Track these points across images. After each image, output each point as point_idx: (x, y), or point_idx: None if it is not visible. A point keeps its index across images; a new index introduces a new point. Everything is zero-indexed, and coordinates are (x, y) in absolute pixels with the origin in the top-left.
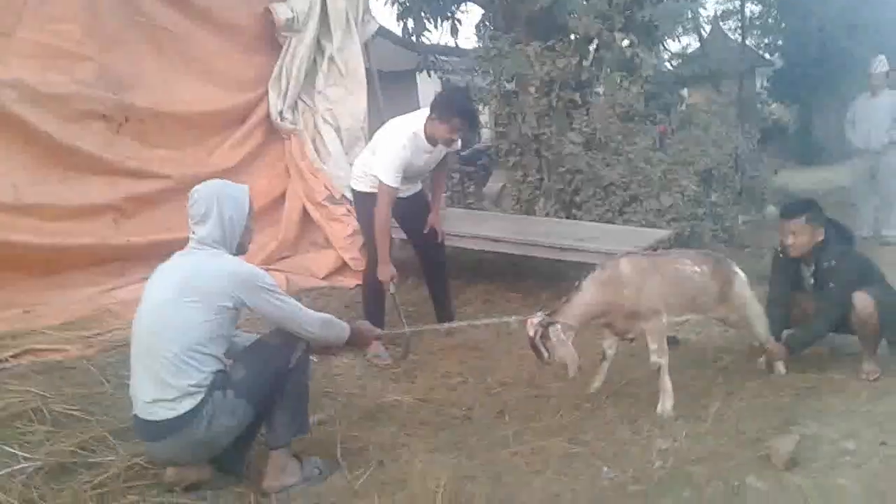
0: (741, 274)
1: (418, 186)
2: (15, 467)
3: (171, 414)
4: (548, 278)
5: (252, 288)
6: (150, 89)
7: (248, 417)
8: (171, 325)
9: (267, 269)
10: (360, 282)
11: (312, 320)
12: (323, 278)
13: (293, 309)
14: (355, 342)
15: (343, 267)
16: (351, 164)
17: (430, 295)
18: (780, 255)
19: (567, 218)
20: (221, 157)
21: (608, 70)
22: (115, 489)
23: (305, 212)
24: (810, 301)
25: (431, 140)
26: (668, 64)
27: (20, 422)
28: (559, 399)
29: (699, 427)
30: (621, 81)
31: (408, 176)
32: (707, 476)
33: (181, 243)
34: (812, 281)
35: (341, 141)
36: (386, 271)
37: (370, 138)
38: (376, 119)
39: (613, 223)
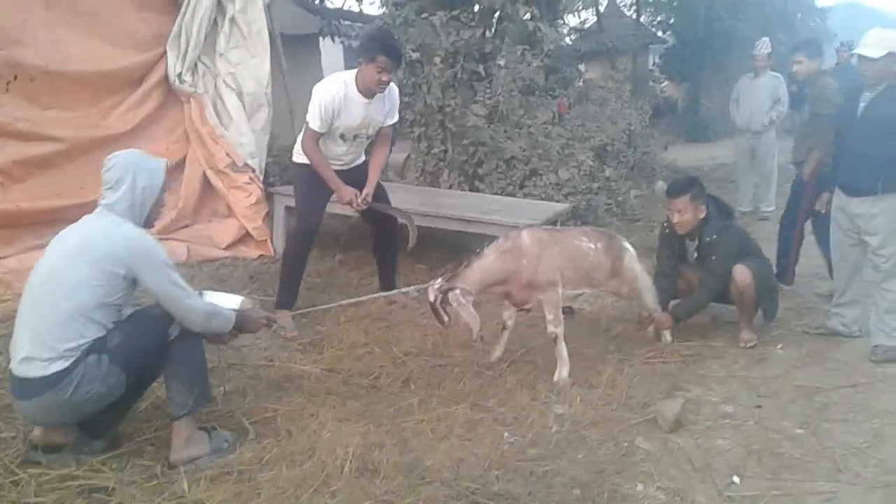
0: (631, 250)
1: (361, 157)
2: None
3: (41, 373)
4: (453, 250)
5: (145, 261)
6: (40, 46)
7: (121, 385)
8: (63, 284)
9: (166, 239)
10: (263, 252)
11: (197, 311)
12: (225, 248)
13: (180, 294)
14: (242, 329)
15: (246, 237)
16: (253, 131)
17: (377, 263)
18: (667, 231)
19: (470, 190)
20: (117, 119)
21: (511, 42)
22: (14, 464)
23: (206, 179)
24: (694, 273)
25: (365, 91)
26: (567, 39)
27: None
28: (462, 367)
29: (593, 393)
30: (523, 54)
31: (345, 134)
32: (600, 439)
33: (73, 210)
34: (695, 254)
35: (244, 106)
36: (345, 192)
37: (273, 103)
38: (279, 83)
39: (514, 196)
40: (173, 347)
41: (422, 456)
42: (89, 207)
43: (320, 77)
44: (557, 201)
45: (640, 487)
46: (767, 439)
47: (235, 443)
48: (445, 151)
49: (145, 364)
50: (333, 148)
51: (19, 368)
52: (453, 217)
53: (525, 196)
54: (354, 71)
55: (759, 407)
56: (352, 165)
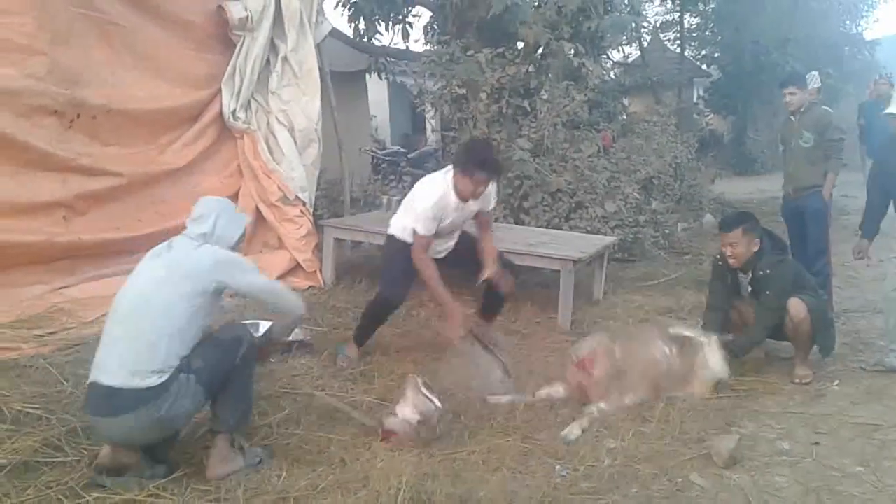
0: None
1: (454, 240)
2: None
3: (141, 384)
4: None
5: (231, 268)
6: (102, 85)
7: (201, 404)
8: (157, 303)
9: None
10: (313, 283)
11: (291, 294)
12: (276, 279)
13: (274, 286)
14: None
15: (296, 268)
16: (304, 165)
17: (481, 305)
18: (720, 264)
19: (515, 223)
20: (173, 155)
21: (554, 78)
22: (79, 486)
23: (259, 212)
24: (748, 307)
25: (462, 198)
26: (611, 73)
27: None
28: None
29: (645, 427)
30: (567, 89)
31: (441, 233)
32: (653, 473)
33: (131, 242)
34: (749, 288)
35: (295, 141)
36: (456, 326)
37: (322, 139)
38: (329, 119)
39: (560, 229)
40: (235, 370)
41: (474, 488)
42: (146, 240)
43: (367, 112)
44: (604, 234)
45: None
46: (826, 477)
47: (267, 459)
48: None
49: (218, 385)
50: (433, 245)
51: (114, 380)
52: (501, 250)
53: (571, 228)
54: (451, 175)
55: (817, 444)
56: (448, 249)
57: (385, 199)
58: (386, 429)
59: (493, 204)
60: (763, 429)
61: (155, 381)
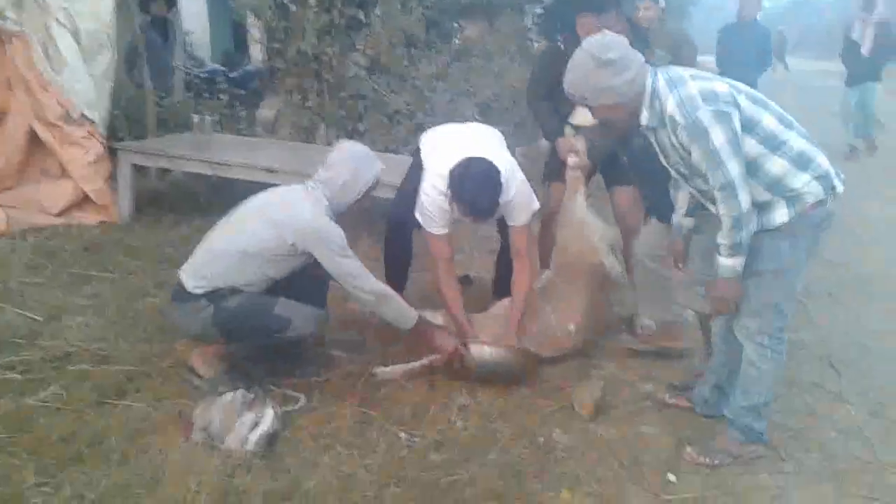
0: None
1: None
2: None
3: (187, 282)
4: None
5: (318, 242)
6: None
7: (211, 340)
8: (245, 222)
9: None
10: (105, 217)
11: (371, 288)
12: (58, 214)
13: (352, 270)
14: (417, 339)
15: (84, 201)
16: (91, 76)
17: (497, 271)
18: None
19: None
20: None
21: None
22: None
23: (34, 133)
24: None
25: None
26: None
27: None
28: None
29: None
30: (407, 1)
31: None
32: (513, 434)
33: None
34: None
35: (80, 45)
36: (447, 341)
37: (117, 46)
38: (125, 25)
39: (398, 153)
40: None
41: (301, 476)
42: None
43: (178, 16)
44: None
45: (565, 495)
46: (694, 423)
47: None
48: (322, 105)
49: (235, 338)
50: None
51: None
52: None
53: (410, 153)
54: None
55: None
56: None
57: (197, 118)
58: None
59: (524, 217)
60: (624, 370)
61: (191, 285)
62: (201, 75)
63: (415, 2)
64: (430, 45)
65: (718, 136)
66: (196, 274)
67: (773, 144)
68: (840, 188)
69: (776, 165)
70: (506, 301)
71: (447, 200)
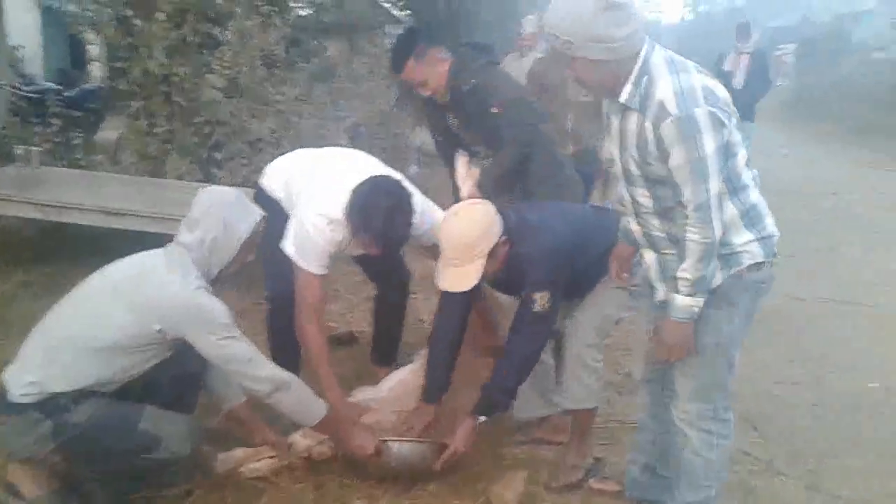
0: None
1: None
2: None
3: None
4: None
5: (194, 323)
6: None
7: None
8: (97, 312)
9: None
10: None
11: (267, 374)
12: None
13: (240, 354)
14: (330, 430)
15: None
16: None
17: (375, 329)
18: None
19: (205, 180)
20: None
21: (248, 4)
22: None
23: None
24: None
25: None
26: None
27: None
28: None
29: None
30: (268, 17)
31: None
32: None
33: None
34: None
35: None
36: (366, 440)
37: None
38: None
39: None
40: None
41: None
42: None
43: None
44: None
45: None
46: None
47: None
48: (171, 132)
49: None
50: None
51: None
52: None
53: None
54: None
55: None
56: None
57: (21, 149)
58: None
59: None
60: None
61: (18, 393)
62: (31, 95)
63: (275, 18)
64: (291, 64)
65: (710, 143)
66: (24, 376)
67: (734, 187)
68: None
69: (727, 212)
70: (402, 371)
71: (340, 231)
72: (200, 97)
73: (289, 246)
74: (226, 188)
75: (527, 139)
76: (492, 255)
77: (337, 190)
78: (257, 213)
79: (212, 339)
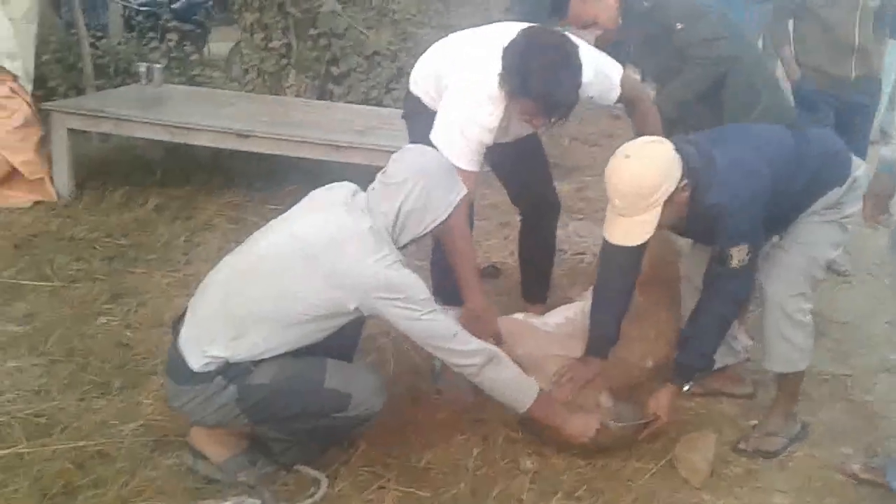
0: None
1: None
2: None
3: (191, 358)
4: (315, 179)
5: (394, 304)
6: None
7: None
8: (288, 285)
9: None
10: (40, 196)
11: (474, 347)
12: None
13: (443, 331)
14: (546, 413)
15: (13, 175)
16: (11, 20)
17: (521, 263)
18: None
19: (322, 97)
20: None
21: None
22: None
23: None
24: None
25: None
26: None
27: None
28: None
29: None
30: None
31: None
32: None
33: None
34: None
35: None
36: (587, 424)
37: None
38: None
39: (382, 103)
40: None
41: None
42: None
43: None
44: None
45: None
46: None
47: None
48: (289, 46)
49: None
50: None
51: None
52: (316, 142)
53: (394, 102)
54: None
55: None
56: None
57: (145, 66)
58: None
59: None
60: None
61: (199, 364)
62: (141, 8)
63: None
64: None
65: None
66: (208, 349)
67: None
68: None
69: None
70: (571, 309)
71: (494, 108)
72: (316, 7)
73: (438, 137)
74: (428, 149)
75: (717, 57)
76: (669, 202)
77: (486, 58)
78: (461, 190)
79: (412, 316)
